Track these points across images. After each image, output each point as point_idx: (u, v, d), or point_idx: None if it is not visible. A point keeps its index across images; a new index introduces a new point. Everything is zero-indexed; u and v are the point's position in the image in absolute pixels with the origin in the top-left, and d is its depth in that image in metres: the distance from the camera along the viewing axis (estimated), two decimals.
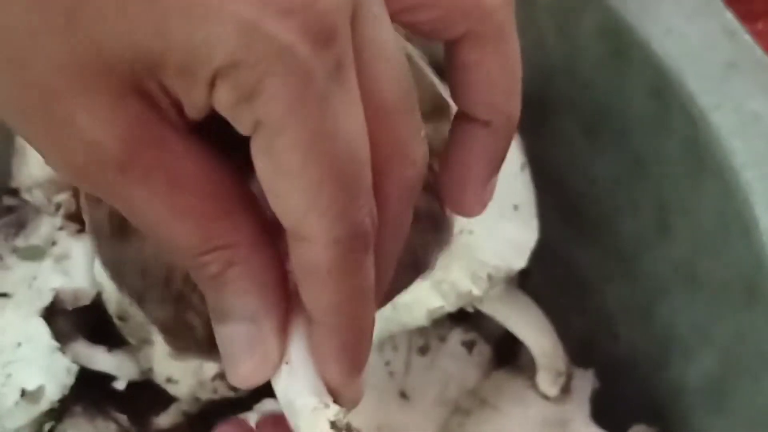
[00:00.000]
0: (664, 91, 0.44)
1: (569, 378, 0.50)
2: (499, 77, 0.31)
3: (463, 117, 0.31)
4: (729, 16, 0.43)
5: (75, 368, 0.50)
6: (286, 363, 0.28)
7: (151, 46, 0.24)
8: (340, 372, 0.28)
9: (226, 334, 0.28)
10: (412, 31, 0.30)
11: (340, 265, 0.27)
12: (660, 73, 0.44)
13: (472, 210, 0.33)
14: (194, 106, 0.25)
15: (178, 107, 0.26)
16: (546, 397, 0.50)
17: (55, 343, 0.50)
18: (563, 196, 0.53)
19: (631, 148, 0.48)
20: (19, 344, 0.51)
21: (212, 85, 0.25)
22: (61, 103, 0.25)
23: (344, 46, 0.25)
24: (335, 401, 0.28)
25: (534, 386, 0.50)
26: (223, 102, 0.25)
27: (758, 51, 0.43)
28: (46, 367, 0.50)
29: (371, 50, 0.26)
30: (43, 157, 0.26)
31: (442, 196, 0.32)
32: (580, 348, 0.52)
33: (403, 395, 0.51)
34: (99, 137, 0.25)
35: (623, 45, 0.45)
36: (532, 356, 0.51)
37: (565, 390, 0.50)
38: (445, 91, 0.33)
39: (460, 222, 0.48)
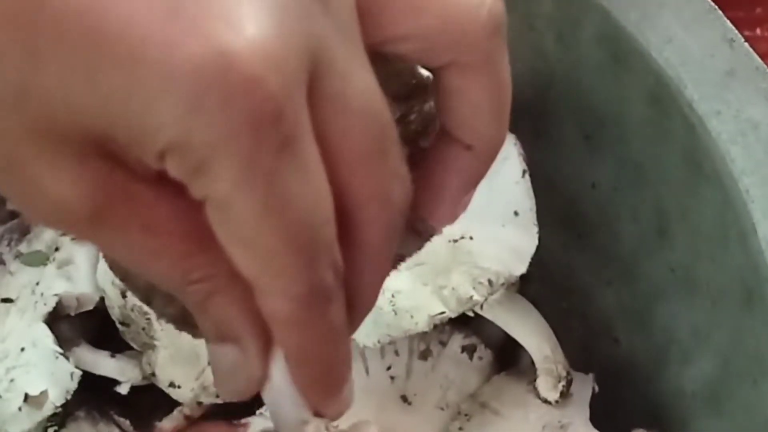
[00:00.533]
0: (663, 99, 0.45)
1: (569, 382, 0.50)
2: (485, 104, 0.30)
3: (446, 135, 0.31)
4: (728, 24, 0.43)
5: (78, 373, 0.50)
6: (269, 381, 0.29)
7: (98, 124, 0.25)
8: (317, 397, 0.30)
9: (213, 353, 0.29)
10: (396, 59, 0.30)
11: (302, 317, 0.27)
12: (659, 80, 0.44)
13: (442, 222, 0.33)
14: (151, 168, 0.26)
15: (142, 163, 0.26)
16: (546, 402, 0.50)
17: (58, 348, 0.51)
18: (563, 202, 0.53)
19: (631, 154, 0.48)
20: (23, 349, 0.51)
21: (161, 157, 0.25)
22: (27, 168, 0.25)
23: (292, 122, 0.25)
24: (320, 415, 0.30)
25: (534, 390, 0.50)
26: (173, 173, 0.25)
27: (757, 59, 0.43)
28: (49, 372, 0.50)
29: (336, 106, 0.26)
30: (18, 209, 0.27)
31: (416, 203, 0.32)
32: (580, 352, 0.52)
33: (405, 400, 0.52)
34: (66, 197, 0.26)
35: (623, 53, 0.45)
36: (533, 360, 0.51)
37: (566, 394, 0.50)
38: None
39: (460, 228, 0.48)
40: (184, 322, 0.35)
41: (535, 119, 0.51)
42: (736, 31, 0.43)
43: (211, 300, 0.28)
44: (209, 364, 0.52)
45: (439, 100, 0.31)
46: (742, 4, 0.64)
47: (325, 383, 0.29)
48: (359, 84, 0.27)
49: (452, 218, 0.33)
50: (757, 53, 0.44)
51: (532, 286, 0.51)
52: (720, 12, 0.43)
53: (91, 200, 0.26)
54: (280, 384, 0.29)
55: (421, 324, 0.47)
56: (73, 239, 0.53)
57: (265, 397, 0.30)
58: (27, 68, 0.24)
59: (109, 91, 0.24)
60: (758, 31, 0.65)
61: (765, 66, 0.43)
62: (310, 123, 0.26)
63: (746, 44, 0.43)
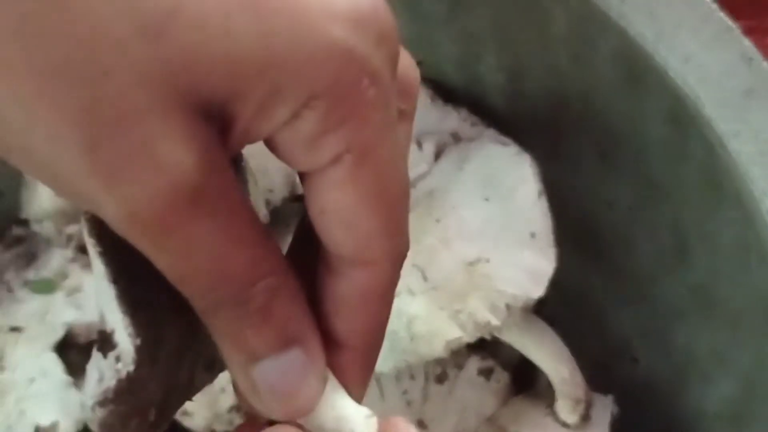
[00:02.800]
0: (681, 118, 0.44)
1: (589, 405, 0.50)
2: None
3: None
4: (746, 43, 0.43)
5: None
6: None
7: (252, 58, 0.23)
8: (360, 389, 0.29)
9: (271, 368, 0.27)
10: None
11: (392, 285, 0.28)
12: (677, 99, 0.43)
13: None
14: (257, 133, 0.25)
15: (239, 133, 0.25)
16: (566, 425, 0.50)
17: (68, 378, 0.50)
18: (580, 221, 0.52)
19: (649, 173, 0.48)
20: (33, 379, 0.50)
21: (299, 111, 0.25)
22: (140, 123, 0.23)
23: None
24: None
25: (553, 414, 0.50)
26: (307, 130, 0.25)
27: None
28: (60, 403, 0.49)
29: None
30: (87, 202, 0.24)
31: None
32: (598, 373, 0.52)
33: (422, 424, 0.51)
34: (178, 160, 0.23)
35: (640, 71, 0.44)
36: (550, 382, 0.50)
37: (585, 417, 0.49)
38: None
39: (477, 251, 0.48)
40: None
41: (551, 139, 0.51)
42: (755, 50, 0.43)
43: (278, 298, 0.27)
44: (222, 391, 0.51)
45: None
46: (754, 13, 0.63)
47: (370, 372, 0.30)
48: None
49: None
50: None
51: (549, 306, 0.50)
52: (738, 31, 0.43)
53: (198, 169, 0.24)
54: (334, 379, 0.29)
55: (438, 350, 0.46)
56: (83, 267, 0.53)
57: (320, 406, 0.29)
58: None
59: (273, 22, 0.23)
60: None
61: None
62: None
63: (765, 63, 0.43)
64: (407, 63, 0.29)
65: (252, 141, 0.26)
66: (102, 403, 0.28)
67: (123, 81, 0.23)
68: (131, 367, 0.27)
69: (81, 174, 0.23)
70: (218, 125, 0.24)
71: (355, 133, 0.26)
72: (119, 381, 0.27)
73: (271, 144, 0.27)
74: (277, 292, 0.27)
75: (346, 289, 0.29)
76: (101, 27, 0.22)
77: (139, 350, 0.27)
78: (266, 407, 0.28)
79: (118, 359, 0.27)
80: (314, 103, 0.25)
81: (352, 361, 0.29)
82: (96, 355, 0.28)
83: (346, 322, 0.29)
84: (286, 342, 0.27)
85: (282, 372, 0.27)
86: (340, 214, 0.27)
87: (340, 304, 0.29)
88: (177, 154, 0.23)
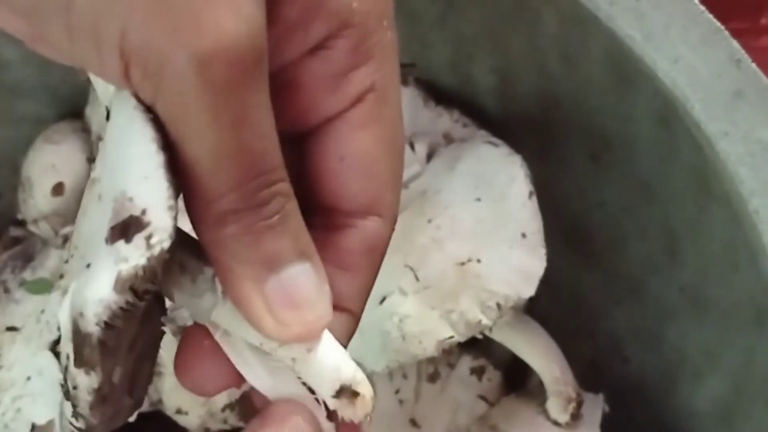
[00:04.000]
0: (670, 119, 0.44)
1: (580, 404, 0.50)
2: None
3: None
4: (735, 44, 0.43)
5: None
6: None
7: None
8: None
9: (287, 279, 0.27)
10: None
11: (388, 242, 0.28)
12: (667, 101, 0.44)
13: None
14: (292, 49, 0.27)
15: (277, 40, 0.26)
16: (557, 424, 0.50)
17: None
18: (570, 221, 0.53)
19: (638, 174, 0.48)
20: (29, 378, 0.51)
21: (333, 35, 0.26)
22: None
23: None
24: None
25: (544, 412, 0.50)
26: (338, 61, 0.26)
27: (764, 79, 0.43)
28: (56, 401, 0.50)
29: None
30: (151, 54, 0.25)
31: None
32: (590, 372, 0.52)
33: (414, 423, 0.51)
34: (248, 21, 0.25)
35: (629, 73, 0.44)
36: (542, 381, 0.51)
37: (576, 416, 0.50)
38: None
39: (468, 251, 0.48)
40: None
41: (542, 140, 0.51)
42: (743, 52, 0.43)
43: (289, 210, 0.27)
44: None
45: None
46: (747, 15, 0.64)
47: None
48: None
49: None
50: (763, 63, 0.44)
51: (540, 306, 0.51)
52: (727, 32, 0.43)
53: (258, 42, 0.25)
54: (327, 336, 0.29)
55: (430, 349, 0.47)
56: None
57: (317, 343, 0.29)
58: None
59: None
60: (764, 41, 0.64)
61: None
62: None
63: (753, 65, 0.43)
64: None
65: (282, 62, 0.26)
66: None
67: None
68: (167, 243, 0.26)
69: (152, 26, 0.24)
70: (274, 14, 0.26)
71: (378, 71, 0.26)
72: (149, 266, 0.26)
73: (298, 83, 0.27)
74: (289, 200, 0.27)
75: (352, 243, 0.29)
76: None
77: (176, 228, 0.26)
78: (280, 324, 0.28)
79: (149, 237, 0.26)
80: (347, 32, 0.26)
81: (348, 321, 0.30)
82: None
83: (346, 280, 0.29)
84: (300, 253, 0.27)
85: (298, 283, 0.27)
86: (361, 160, 0.28)
87: (345, 259, 0.29)
88: (245, 17, 0.25)
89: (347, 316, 0.30)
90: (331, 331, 0.29)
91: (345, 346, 0.30)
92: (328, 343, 0.29)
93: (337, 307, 0.29)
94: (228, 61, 0.25)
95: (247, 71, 0.25)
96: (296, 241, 0.27)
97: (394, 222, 0.30)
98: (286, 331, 0.28)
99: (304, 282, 0.28)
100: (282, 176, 0.27)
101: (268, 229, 0.27)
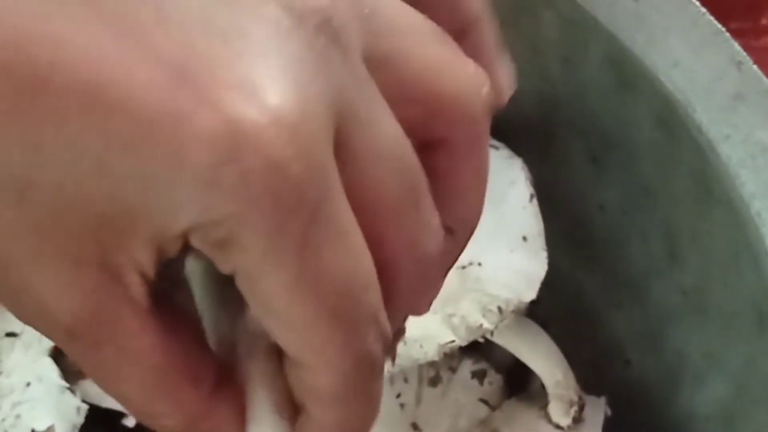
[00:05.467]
0: (671, 122, 0.44)
1: (581, 407, 0.50)
2: (470, 188, 0.29)
3: None
4: (736, 47, 0.43)
5: (84, 407, 0.50)
6: None
7: (112, 216, 0.23)
8: None
9: None
10: None
11: (347, 392, 0.25)
12: (667, 103, 0.44)
13: (420, 313, 0.30)
14: (166, 256, 0.24)
15: (144, 277, 0.24)
16: (558, 427, 0.50)
17: (64, 383, 0.50)
18: (572, 224, 0.53)
19: (639, 177, 0.48)
20: (29, 384, 0.51)
21: (184, 236, 0.24)
22: (16, 270, 0.24)
23: (321, 189, 0.24)
24: None
25: (546, 416, 0.50)
26: (198, 247, 0.24)
27: (765, 81, 0.43)
28: (55, 407, 0.50)
29: (366, 156, 0.25)
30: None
31: None
32: (591, 375, 0.52)
33: (415, 427, 0.51)
34: (50, 307, 0.24)
35: (630, 76, 0.44)
36: (543, 385, 0.51)
37: (578, 419, 0.50)
38: None
39: (468, 254, 0.48)
40: None
41: (542, 142, 0.51)
42: (744, 54, 0.43)
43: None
44: None
45: None
46: (747, 15, 0.64)
47: None
48: (386, 130, 0.26)
49: (427, 309, 0.30)
50: (764, 63, 0.44)
51: (542, 309, 0.51)
52: (727, 35, 0.43)
53: (74, 317, 0.24)
54: None
55: (431, 353, 0.47)
56: None
57: None
58: (31, 161, 0.22)
59: (121, 176, 0.23)
60: (765, 41, 0.64)
61: None
62: (340, 180, 0.24)
63: (755, 67, 0.43)
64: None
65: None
66: None
67: (5, 234, 0.23)
68: None
69: None
70: (118, 274, 0.24)
71: (237, 256, 0.24)
72: None
73: None
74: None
75: None
76: None
77: None
78: None
79: None
80: (189, 235, 0.24)
81: None
82: None
83: None
84: None
85: None
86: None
87: None
88: (48, 300, 0.24)
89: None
90: None
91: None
92: None
93: None
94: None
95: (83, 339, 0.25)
96: None
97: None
98: None
99: None
100: (189, 403, 0.27)
101: None
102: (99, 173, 0.22)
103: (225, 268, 0.24)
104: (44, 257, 0.23)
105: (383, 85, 0.26)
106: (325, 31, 0.24)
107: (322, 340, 0.25)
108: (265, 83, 0.23)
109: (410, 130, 0.27)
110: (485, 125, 0.28)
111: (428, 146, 0.28)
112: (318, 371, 0.25)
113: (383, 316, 0.26)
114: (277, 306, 0.24)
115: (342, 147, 0.24)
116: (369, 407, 0.27)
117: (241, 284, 0.24)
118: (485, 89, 0.28)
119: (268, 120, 0.22)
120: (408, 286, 0.27)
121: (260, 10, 0.23)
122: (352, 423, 0.26)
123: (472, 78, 0.28)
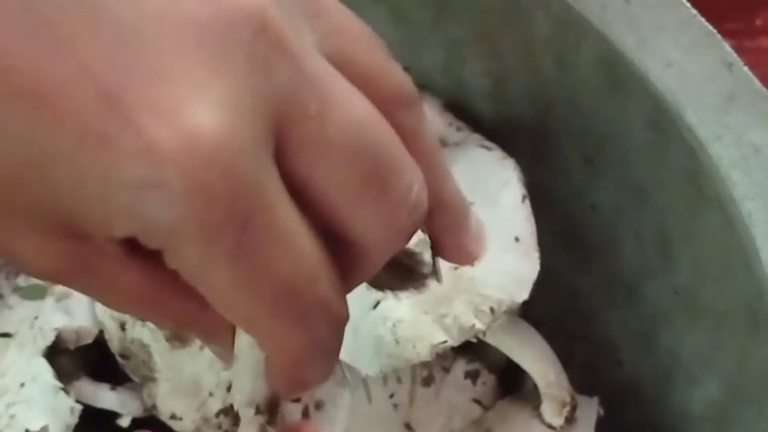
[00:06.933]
0: (663, 123, 0.44)
1: (574, 407, 0.50)
2: (430, 156, 0.32)
3: None
4: (727, 48, 0.43)
5: (78, 408, 0.50)
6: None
7: (59, 211, 0.25)
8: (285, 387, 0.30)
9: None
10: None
11: (298, 366, 0.28)
12: (659, 104, 0.44)
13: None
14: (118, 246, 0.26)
15: (113, 239, 0.26)
16: (551, 427, 0.50)
17: (58, 383, 0.50)
18: (564, 224, 0.53)
19: (632, 177, 0.48)
20: (23, 384, 0.51)
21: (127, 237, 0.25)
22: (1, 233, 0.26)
23: (254, 198, 0.25)
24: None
25: (539, 416, 0.50)
26: (143, 244, 0.25)
27: (757, 83, 0.43)
28: (49, 407, 0.50)
29: (316, 150, 0.26)
30: None
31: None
32: (584, 375, 0.52)
33: (408, 427, 0.51)
34: (32, 263, 0.26)
35: (622, 77, 0.44)
36: (536, 385, 0.51)
37: (570, 419, 0.50)
38: None
39: None
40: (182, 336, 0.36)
41: (535, 142, 0.51)
42: (735, 55, 0.43)
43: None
44: (210, 395, 0.51)
45: None
46: (742, 16, 0.64)
47: (302, 390, 0.30)
48: (346, 116, 0.26)
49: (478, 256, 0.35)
50: (758, 64, 0.44)
51: (534, 309, 0.51)
52: (719, 36, 0.43)
53: (53, 271, 0.26)
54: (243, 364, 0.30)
55: (424, 353, 0.47)
56: None
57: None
58: None
59: (60, 184, 0.24)
60: (759, 41, 0.64)
61: (765, 89, 0.43)
62: (281, 182, 0.25)
63: (746, 68, 0.43)
64: None
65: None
66: None
67: None
68: None
69: None
70: (84, 238, 0.26)
71: (175, 262, 0.27)
72: None
73: None
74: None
75: None
76: None
77: None
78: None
79: None
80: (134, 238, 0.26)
81: None
82: None
83: None
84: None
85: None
86: None
87: None
88: (29, 257, 0.26)
89: None
90: None
91: None
92: None
93: None
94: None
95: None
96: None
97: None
98: None
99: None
100: (175, 314, 0.29)
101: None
102: (41, 179, 0.24)
103: (170, 266, 0.26)
104: (15, 229, 0.25)
105: None
106: (265, 36, 0.25)
107: (267, 333, 0.26)
108: (189, 103, 0.23)
109: None
110: (421, 110, 0.31)
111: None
112: (272, 353, 0.28)
113: (337, 301, 0.27)
114: (221, 303, 0.26)
115: (288, 146, 0.25)
116: (323, 375, 0.29)
117: (188, 280, 0.26)
118: (411, 87, 0.30)
119: (185, 144, 0.23)
120: (382, 252, 0.29)
121: (192, 24, 0.24)
122: (306, 384, 0.29)
123: (404, 79, 0.30)
